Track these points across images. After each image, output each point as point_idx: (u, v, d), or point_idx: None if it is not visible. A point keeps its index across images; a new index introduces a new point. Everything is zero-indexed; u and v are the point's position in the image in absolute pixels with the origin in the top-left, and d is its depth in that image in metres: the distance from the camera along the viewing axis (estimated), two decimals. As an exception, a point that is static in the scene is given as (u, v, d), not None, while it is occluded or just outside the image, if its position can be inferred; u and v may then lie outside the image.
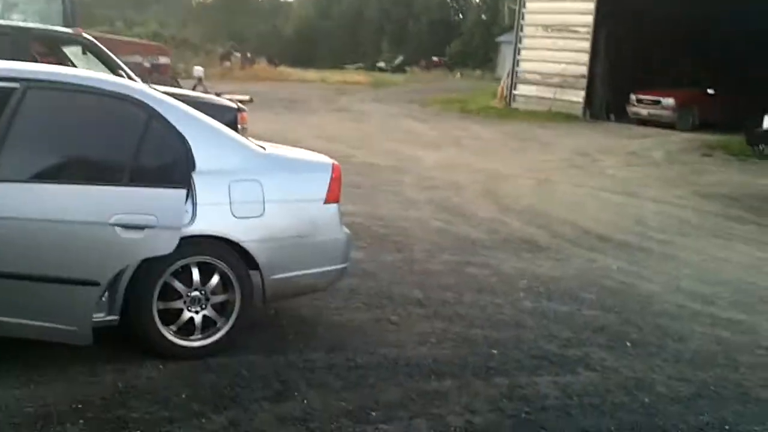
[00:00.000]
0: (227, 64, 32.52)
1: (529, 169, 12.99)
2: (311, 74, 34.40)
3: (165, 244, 4.09)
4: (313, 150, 5.34)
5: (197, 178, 4.27)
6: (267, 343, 4.69)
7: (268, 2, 70.71)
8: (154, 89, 5.10)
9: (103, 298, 4.10)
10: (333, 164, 4.93)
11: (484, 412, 4.04)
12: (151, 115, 4.26)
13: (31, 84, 4.12)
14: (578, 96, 22.09)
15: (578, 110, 21.97)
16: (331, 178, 4.83)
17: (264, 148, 4.92)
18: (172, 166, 4.25)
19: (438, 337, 5.02)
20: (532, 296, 6.05)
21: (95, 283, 4.00)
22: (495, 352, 4.84)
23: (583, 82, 22.04)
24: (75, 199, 4.02)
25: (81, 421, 3.60)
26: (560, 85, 22.36)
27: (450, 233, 8.13)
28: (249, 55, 34.05)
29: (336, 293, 5.64)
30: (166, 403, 3.83)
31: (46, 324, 3.98)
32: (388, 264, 6.71)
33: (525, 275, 6.61)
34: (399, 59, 41.50)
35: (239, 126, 8.64)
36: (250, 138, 5.38)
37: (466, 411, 4.03)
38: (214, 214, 4.34)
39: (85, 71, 5.25)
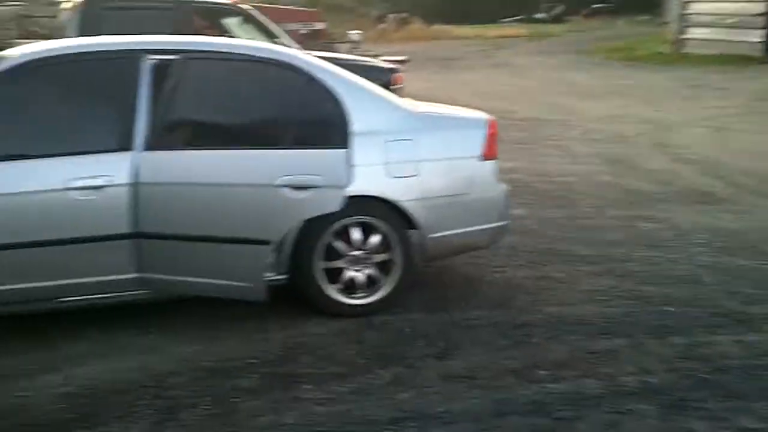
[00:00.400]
0: (382, 26, 32.59)
1: (703, 117, 12.20)
2: (467, 31, 33.84)
3: (331, 203, 4.15)
4: (471, 107, 5.23)
5: (355, 141, 4.28)
6: (429, 301, 4.68)
7: (422, -39, 70.26)
8: (311, 55, 5.18)
9: (273, 259, 4.22)
10: (489, 120, 4.82)
11: (659, 372, 3.84)
12: (308, 80, 4.31)
13: (191, 56, 4.25)
14: (756, 36, 20.49)
15: (756, 51, 20.39)
16: (487, 134, 4.72)
17: (418, 108, 4.86)
18: (331, 128, 4.27)
19: (607, 295, 4.83)
20: (711, 251, 5.67)
21: (267, 242, 4.12)
22: (671, 309, 4.59)
23: (762, 20, 20.42)
24: (244, 164, 4.14)
25: (255, 375, 3.75)
26: (735, 26, 20.83)
27: (617, 187, 7.78)
28: (404, 15, 33.94)
29: (498, 251, 5.54)
30: (333, 359, 3.91)
31: (224, 282, 4.15)
32: (552, 220, 6.52)
33: (702, 229, 6.22)
34: (558, 9, 39.96)
35: (394, 86, 8.65)
36: (405, 98, 5.36)
37: (639, 371, 3.84)
38: (371, 174, 4.35)
39: (241, 41, 5.39)
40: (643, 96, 14.75)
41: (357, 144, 4.26)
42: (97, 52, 4.27)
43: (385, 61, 10.74)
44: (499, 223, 4.83)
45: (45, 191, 3.89)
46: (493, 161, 4.76)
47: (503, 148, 9.59)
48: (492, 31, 33.67)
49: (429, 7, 36.78)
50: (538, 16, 39.51)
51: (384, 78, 8.83)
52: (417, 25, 33.03)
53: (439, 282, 5.04)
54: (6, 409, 3.39)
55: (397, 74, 9.17)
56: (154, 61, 4.15)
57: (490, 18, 39.51)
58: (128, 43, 4.34)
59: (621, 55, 22.84)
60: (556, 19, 38.43)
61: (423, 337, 4.18)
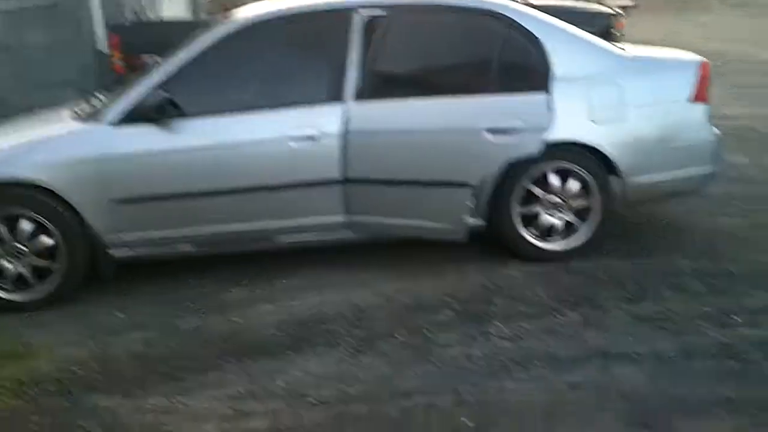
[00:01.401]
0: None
1: None
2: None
3: (532, 146, 4.25)
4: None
5: (556, 86, 4.31)
6: (631, 248, 4.63)
7: None
8: (528, 1, 5.20)
9: (472, 202, 4.39)
10: (701, 62, 4.62)
11: None
12: (511, 27, 4.39)
13: (397, 9, 4.46)
14: None
15: None
16: (698, 77, 4.54)
17: (627, 51, 4.76)
18: (534, 73, 4.33)
19: (827, 244, 4.53)
20: None
21: (467, 185, 4.30)
22: None
23: None
24: (449, 110, 4.31)
25: (448, 311, 3.96)
26: None
27: None
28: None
29: (711, 198, 5.33)
30: (524, 300, 4.03)
31: (428, 224, 4.39)
32: (777, 168, 6.13)
33: None
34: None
35: (615, 32, 8.42)
36: (623, 43, 5.23)
37: None
38: (573, 120, 4.36)
39: None
40: None
41: (559, 89, 4.30)
42: (313, 11, 4.59)
43: (609, 6, 10.44)
44: (707, 169, 4.66)
45: (267, 141, 4.31)
46: (703, 105, 4.58)
47: (734, 92, 9.09)
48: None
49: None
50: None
51: (604, 23, 8.64)
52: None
53: (644, 228, 4.97)
54: (227, 334, 3.85)
55: (619, 19, 8.90)
56: (364, 16, 4.41)
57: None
58: (335, 2, 4.64)
59: None
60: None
61: (618, 282, 4.18)
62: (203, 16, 8.44)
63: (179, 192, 4.27)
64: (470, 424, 3.00)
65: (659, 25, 15.44)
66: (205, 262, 4.63)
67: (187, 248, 4.40)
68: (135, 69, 7.92)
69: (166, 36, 8.10)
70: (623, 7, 12.56)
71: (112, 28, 8.39)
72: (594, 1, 13.11)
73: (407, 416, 3.08)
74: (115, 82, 7.49)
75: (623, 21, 9.10)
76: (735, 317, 3.71)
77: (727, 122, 7.49)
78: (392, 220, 4.41)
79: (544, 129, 4.24)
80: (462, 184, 4.29)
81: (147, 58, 7.90)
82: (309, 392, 3.28)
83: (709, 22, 16.63)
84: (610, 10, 9.04)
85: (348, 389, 3.29)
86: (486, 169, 4.31)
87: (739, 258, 4.42)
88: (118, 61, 8.16)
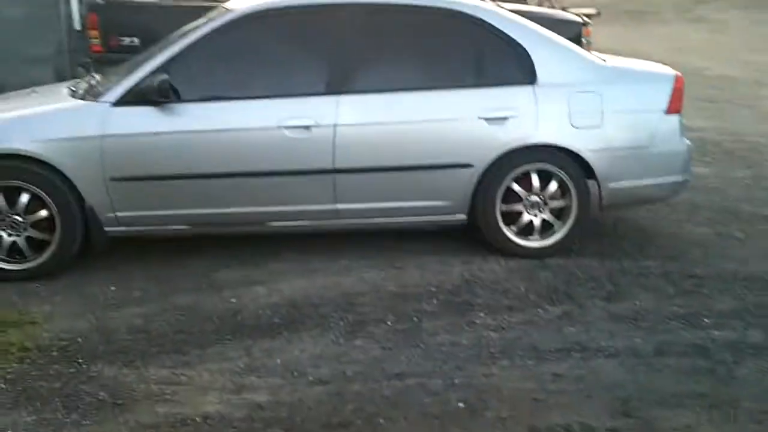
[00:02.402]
0: (577, -23, 31.82)
1: None
2: (667, -17, 32.42)
3: (525, 130, 4.53)
4: (664, 63, 5.27)
5: (538, 90, 4.55)
6: (604, 249, 4.87)
7: None
8: (500, 6, 5.39)
9: (455, 202, 4.61)
10: (675, 75, 4.88)
11: (834, 330, 3.89)
12: (490, 31, 4.65)
13: (389, 8, 4.71)
14: None
15: None
16: (673, 89, 4.79)
17: (604, 60, 5.01)
18: (521, 71, 4.63)
19: (786, 254, 4.84)
20: None
21: (470, 166, 4.54)
22: None
23: None
24: (451, 101, 4.58)
25: (434, 300, 4.14)
26: None
27: (812, 150, 7.50)
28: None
29: (678, 207, 5.62)
30: (506, 293, 4.23)
31: (431, 203, 4.61)
32: (737, 180, 6.46)
33: None
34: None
35: (584, 40, 8.67)
36: (592, 51, 5.47)
37: (810, 327, 3.91)
38: (554, 124, 4.60)
39: None
40: None
41: (541, 94, 4.57)
42: (310, 4, 4.72)
43: (575, 14, 10.70)
44: (679, 178, 4.91)
45: (263, 129, 4.43)
46: (677, 116, 4.83)
47: (694, 105, 9.44)
48: (693, -17, 31.96)
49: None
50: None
51: (573, 31, 8.87)
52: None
53: (615, 232, 5.22)
54: (223, 313, 3.97)
55: (587, 27, 9.15)
56: (360, 12, 4.59)
57: (693, -31, 37.43)
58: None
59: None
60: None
61: (593, 280, 4.41)
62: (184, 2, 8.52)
63: (176, 173, 4.37)
64: (462, 406, 3.19)
65: (620, 35, 15.89)
66: (192, 243, 4.74)
67: (180, 228, 4.50)
68: (113, 50, 7.93)
69: (145, 18, 8.14)
70: (587, 15, 12.87)
71: (90, 7, 8.35)
72: (558, 9, 13.44)
73: (402, 396, 3.25)
74: (95, 61, 7.48)
75: (590, 29, 9.35)
76: (704, 319, 3.97)
77: (689, 134, 7.80)
78: (400, 203, 4.60)
79: (532, 117, 4.53)
80: (464, 165, 4.55)
81: (126, 39, 7.93)
82: (307, 370, 3.43)
83: (667, 35, 17.14)
84: (578, 18, 9.28)
85: (344, 369, 3.45)
86: (486, 152, 4.55)
87: (705, 263, 4.68)
88: (95, 41, 8.14)
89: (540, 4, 14.59)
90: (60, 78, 7.69)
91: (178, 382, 3.33)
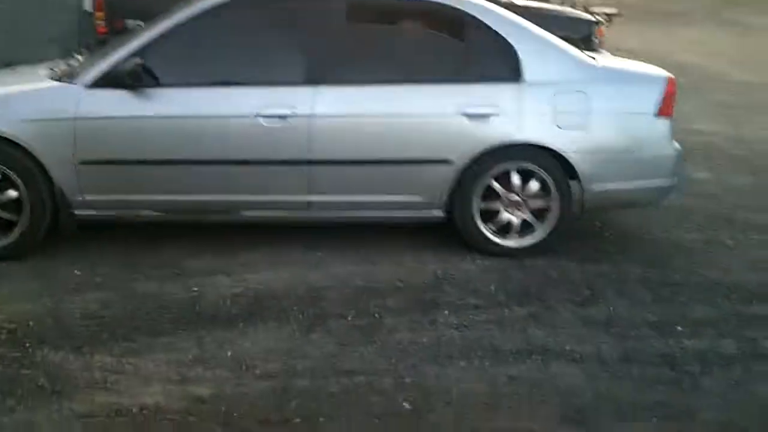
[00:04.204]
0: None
1: None
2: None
3: (507, 128, 4.43)
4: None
5: (523, 88, 4.44)
6: (585, 252, 4.75)
7: None
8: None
9: (432, 199, 4.52)
10: (667, 77, 4.74)
11: (807, 343, 3.75)
12: (475, 25, 4.55)
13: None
14: None
15: None
16: (664, 92, 4.65)
17: (597, 61, 4.88)
18: (505, 68, 4.52)
19: (774, 265, 4.68)
20: None
21: (449, 162, 4.44)
22: (841, 284, 4.40)
23: None
24: (431, 96, 4.49)
25: (400, 297, 4.05)
26: None
27: (823, 159, 7.29)
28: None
29: (671, 212, 5.47)
30: (475, 292, 4.13)
31: (408, 198, 4.52)
32: (737, 187, 6.28)
33: None
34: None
35: (594, 39, 8.53)
36: (602, 50, 5.36)
37: (784, 339, 3.78)
38: (537, 123, 4.48)
39: None
40: None
41: (526, 93, 4.47)
42: None
43: (592, 13, 10.55)
44: (666, 183, 4.77)
45: (238, 116, 4.36)
46: (667, 119, 4.69)
47: (708, 110, 9.25)
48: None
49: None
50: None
51: (585, 30, 8.74)
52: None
53: (600, 235, 5.09)
54: (182, 302, 3.91)
55: (599, 27, 9.01)
56: (336, 4, 4.53)
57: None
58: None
59: None
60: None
61: (569, 283, 4.30)
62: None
63: (148, 159, 4.33)
64: (408, 407, 3.10)
65: (644, 36, 15.64)
66: (165, 229, 4.69)
67: (151, 214, 4.45)
68: (118, 31, 7.92)
69: (149, 1, 8.13)
70: (608, 15, 12.69)
71: (97, -11, 8.37)
72: (580, 6, 13.28)
73: (348, 394, 3.17)
74: (97, 43, 7.48)
75: (603, 29, 9.21)
76: (678, 327, 3.84)
77: (698, 138, 7.70)
78: (364, 198, 4.51)
79: (515, 115, 4.43)
80: (444, 161, 4.45)
81: (130, 22, 7.91)
82: (256, 364, 3.36)
83: (693, 38, 16.83)
84: (591, 17, 9.14)
85: (294, 363, 3.38)
86: (467, 149, 4.44)
87: (687, 270, 4.54)
88: (100, 23, 8.15)
89: (561, 3, 14.42)
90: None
91: (122, 371, 3.27)
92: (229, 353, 3.44)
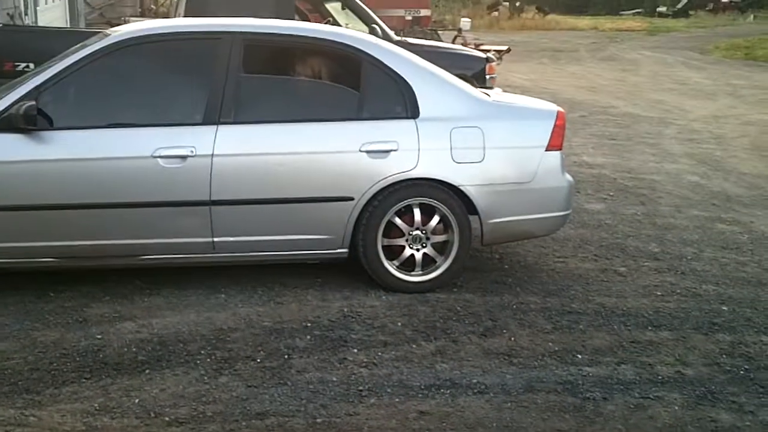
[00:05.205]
0: (495, 14, 32.41)
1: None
2: (583, 22, 33.39)
3: (406, 164, 4.52)
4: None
5: (420, 125, 4.56)
6: (486, 284, 4.88)
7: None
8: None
9: (335, 236, 4.56)
10: (557, 111, 4.95)
11: (698, 365, 3.94)
12: (373, 64, 4.64)
13: (269, 39, 4.72)
14: None
15: None
16: (555, 126, 4.85)
17: (488, 96, 5.05)
18: (403, 105, 4.64)
19: (664, 291, 4.91)
20: (783, 257, 5.63)
21: (351, 198, 4.49)
22: (725, 308, 4.65)
23: None
24: (332, 133, 4.56)
25: (308, 336, 4.06)
26: None
27: (704, 188, 7.70)
28: (518, 3, 33.54)
29: (566, 242, 5.68)
30: (382, 329, 4.18)
31: (311, 236, 4.54)
32: (628, 217, 6.57)
33: (779, 234, 6.15)
34: (682, 2, 38.36)
35: (487, 76, 8.82)
36: (495, 86, 5.54)
37: (678, 363, 3.96)
38: (435, 158, 4.59)
39: (310, 25, 5.75)
40: (754, 97, 14.32)
41: (423, 129, 4.58)
42: (187, 32, 4.67)
43: (483, 50, 10.90)
44: (560, 214, 4.96)
45: (135, 158, 4.30)
46: (558, 152, 4.88)
47: (596, 142, 9.64)
48: (609, 23, 33.10)
49: (549, -5, 36.24)
50: (661, 9, 38.22)
51: (477, 67, 9.02)
52: (531, 14, 32.74)
53: (499, 267, 5.23)
54: (86, 349, 3.81)
55: (490, 64, 9.31)
56: (239, 40, 4.53)
57: (609, 10, 38.71)
58: (212, 25, 4.74)
59: (741, 53, 22.11)
60: (679, 14, 37.13)
61: (472, 316, 4.40)
62: (81, 27, 8.35)
63: (44, 204, 4.22)
64: (321, 447, 3.11)
65: (532, 72, 16.26)
66: (68, 275, 4.56)
67: (50, 261, 4.32)
68: (6, 74, 7.68)
69: (41, 43, 7.93)
70: (498, 52, 13.15)
71: (-18, 30, 8.12)
72: (471, 44, 13.71)
73: (260, 438, 3.16)
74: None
75: (494, 66, 9.53)
76: (578, 355, 3.99)
77: (588, 170, 8.03)
78: (279, 236, 4.51)
79: (414, 149, 4.52)
80: (345, 198, 4.51)
81: (20, 64, 7.71)
82: (165, 411, 3.30)
83: (580, 73, 17.58)
84: (482, 55, 9.46)
85: (204, 409, 3.33)
86: (368, 185, 4.50)
87: (584, 299, 4.73)
88: (-16, 64, 7.89)
89: (453, 40, 14.84)
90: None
91: (26, 424, 3.16)
92: (136, 401, 3.37)
